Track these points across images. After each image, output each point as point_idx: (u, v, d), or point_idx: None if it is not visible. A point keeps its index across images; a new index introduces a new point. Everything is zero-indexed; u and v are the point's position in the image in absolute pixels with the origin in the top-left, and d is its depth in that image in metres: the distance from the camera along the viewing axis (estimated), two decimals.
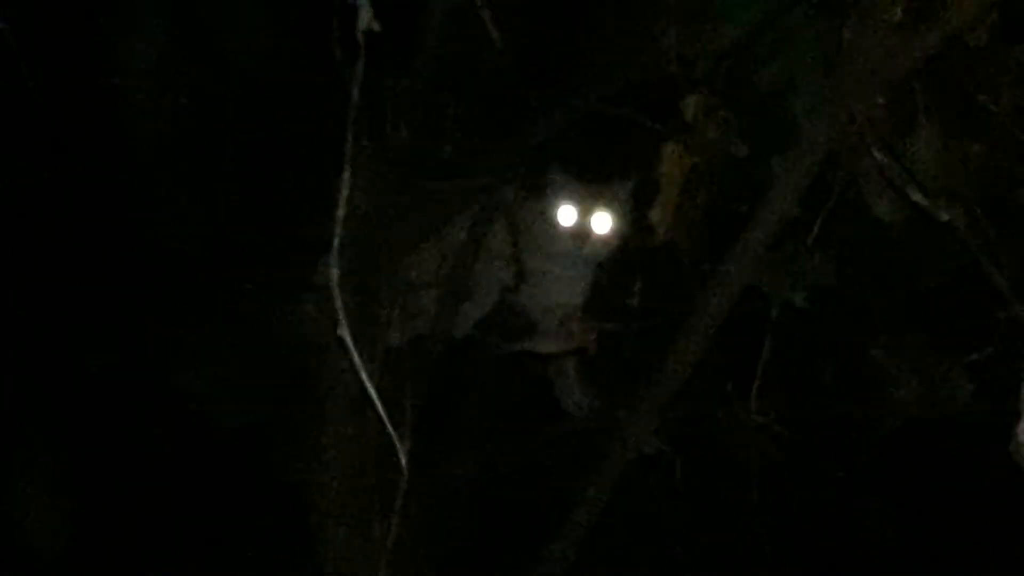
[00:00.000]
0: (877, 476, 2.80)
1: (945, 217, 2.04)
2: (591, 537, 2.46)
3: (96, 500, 2.82)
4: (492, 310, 2.70)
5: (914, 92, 2.11)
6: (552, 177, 2.60)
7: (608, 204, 2.57)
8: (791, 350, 2.46)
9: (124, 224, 2.76)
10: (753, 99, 2.25)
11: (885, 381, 2.58)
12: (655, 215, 2.33)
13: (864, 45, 2.01)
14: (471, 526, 2.71)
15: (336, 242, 1.85)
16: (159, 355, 2.77)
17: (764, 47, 2.23)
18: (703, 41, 2.26)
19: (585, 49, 2.60)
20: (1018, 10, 2.09)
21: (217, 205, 2.76)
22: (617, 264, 2.61)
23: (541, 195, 2.63)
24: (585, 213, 2.57)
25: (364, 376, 1.84)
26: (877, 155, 2.00)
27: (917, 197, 2.02)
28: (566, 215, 2.58)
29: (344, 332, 1.86)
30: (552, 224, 2.59)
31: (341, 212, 1.92)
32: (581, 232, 2.58)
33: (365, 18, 1.84)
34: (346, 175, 1.97)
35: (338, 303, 1.85)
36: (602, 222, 2.57)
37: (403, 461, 2.01)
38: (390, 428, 1.93)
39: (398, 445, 1.98)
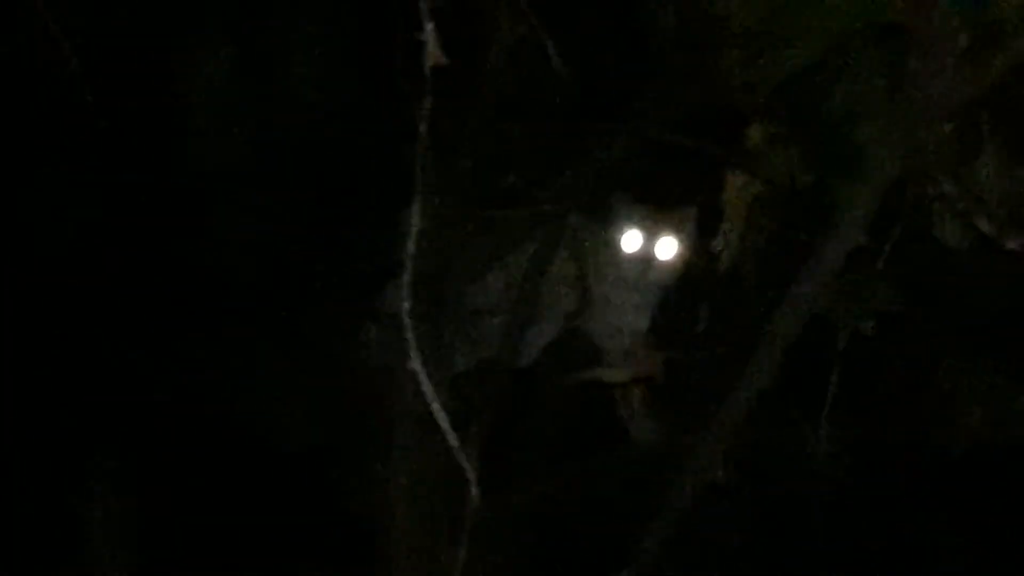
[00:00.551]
0: (946, 501, 2.78)
1: (1012, 245, 2.03)
2: (658, 565, 2.46)
3: (160, 527, 2.83)
4: (558, 337, 2.71)
5: (980, 118, 2.10)
6: (617, 203, 2.61)
7: (673, 229, 2.58)
8: (859, 376, 2.45)
9: (191, 250, 2.79)
10: (818, 126, 2.25)
11: (953, 406, 2.57)
12: (719, 243, 2.33)
13: (929, 72, 2.01)
14: (538, 553, 2.71)
15: (407, 276, 1.88)
16: (224, 381, 2.79)
17: (828, 74, 2.23)
18: (766, 68, 2.26)
19: (647, 76, 2.60)
20: None
21: (283, 232, 2.79)
22: (683, 290, 2.61)
23: (606, 221, 2.64)
24: (650, 238, 2.59)
25: (435, 405, 1.86)
26: (944, 183, 2.00)
27: (983, 225, 2.01)
28: (631, 241, 2.59)
29: (416, 364, 1.89)
30: (617, 250, 2.61)
31: (412, 246, 1.95)
32: (646, 258, 2.59)
33: (433, 53, 1.87)
34: (416, 208, 2.00)
35: (409, 335, 1.88)
36: (667, 247, 2.58)
37: (473, 487, 2.03)
38: (460, 454, 1.95)
39: (467, 468, 2.00)
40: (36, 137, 2.67)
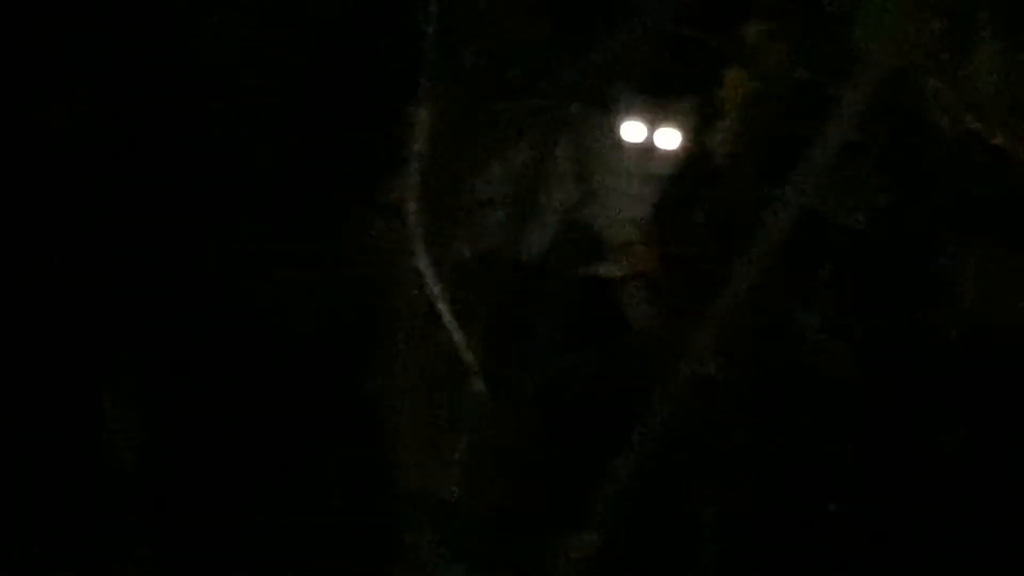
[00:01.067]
0: (944, 384, 2.82)
1: (999, 141, 2.07)
2: (657, 451, 2.52)
3: (172, 411, 2.88)
4: (559, 228, 2.75)
5: (973, 15, 2.12)
6: (618, 94, 2.64)
7: (674, 120, 2.60)
8: (852, 266, 2.50)
9: (201, 140, 2.81)
10: (814, 23, 2.27)
11: (948, 288, 2.61)
12: (715, 138, 2.37)
13: None
14: (539, 439, 2.77)
15: (413, 176, 1.92)
16: (235, 268, 2.83)
17: None
18: None
19: None
20: None
21: (292, 124, 2.82)
22: (680, 183, 2.65)
23: (607, 112, 2.67)
24: (651, 129, 2.62)
25: (439, 303, 1.92)
26: (932, 80, 2.03)
27: (971, 122, 2.05)
28: (632, 131, 2.63)
29: (420, 262, 1.94)
30: (618, 140, 2.64)
31: (418, 143, 2.00)
32: (647, 148, 2.62)
33: None
34: (422, 102, 2.04)
35: (415, 234, 1.92)
36: (668, 138, 2.61)
37: (476, 379, 2.09)
38: (463, 348, 2.01)
39: (470, 360, 2.06)
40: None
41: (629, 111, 2.62)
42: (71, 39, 2.73)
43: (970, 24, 2.14)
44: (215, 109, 2.80)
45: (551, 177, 2.72)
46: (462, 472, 2.51)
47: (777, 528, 2.78)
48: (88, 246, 2.80)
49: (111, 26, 2.72)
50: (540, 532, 2.56)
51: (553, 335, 2.76)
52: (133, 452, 2.86)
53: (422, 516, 2.57)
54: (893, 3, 2.07)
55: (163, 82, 2.78)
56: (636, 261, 2.70)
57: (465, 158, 2.58)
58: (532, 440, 2.70)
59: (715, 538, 2.70)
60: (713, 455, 2.73)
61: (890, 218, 2.42)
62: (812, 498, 2.73)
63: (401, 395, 2.59)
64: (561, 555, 2.51)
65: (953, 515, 2.78)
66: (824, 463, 2.73)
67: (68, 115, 2.79)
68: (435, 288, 1.94)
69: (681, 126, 2.60)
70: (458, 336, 1.97)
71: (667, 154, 2.62)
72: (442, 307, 1.96)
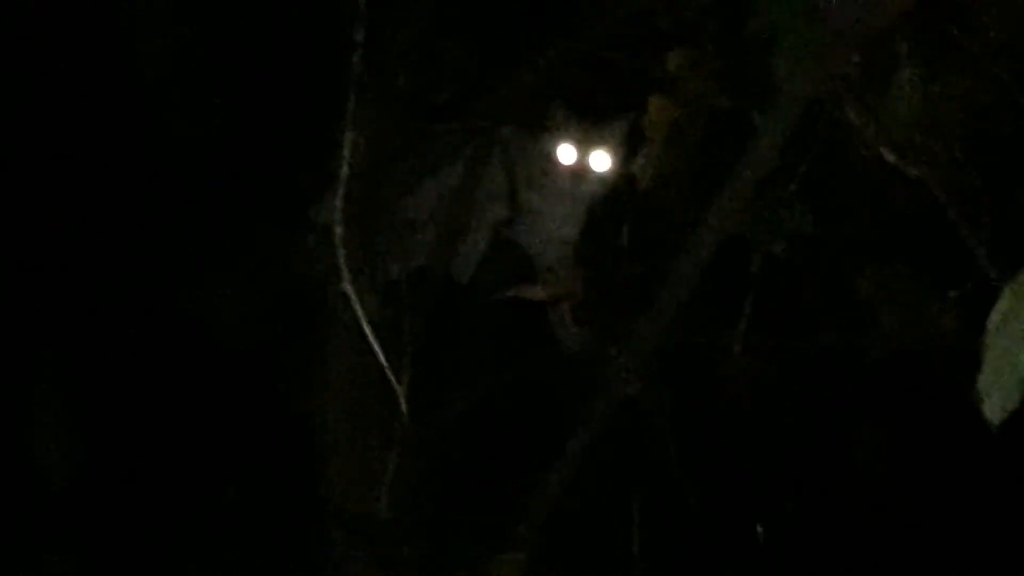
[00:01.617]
0: (864, 405, 2.87)
1: (915, 173, 2.11)
2: (585, 469, 2.55)
3: (104, 421, 2.87)
4: (489, 248, 2.77)
5: (891, 49, 2.16)
6: (552, 116, 2.66)
7: (606, 143, 2.63)
8: (776, 290, 2.53)
9: (136, 157, 2.81)
10: (736, 52, 2.31)
11: (870, 313, 2.65)
12: (639, 165, 2.39)
13: (841, 4, 2.06)
14: (469, 457, 2.79)
15: (340, 199, 1.93)
16: (169, 280, 2.84)
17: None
18: None
19: None
20: None
21: (220, 142, 2.83)
22: (606, 206, 2.68)
23: (539, 134, 2.69)
24: (584, 152, 2.64)
25: (365, 325, 1.93)
26: (850, 112, 2.06)
27: (887, 154, 2.09)
28: (566, 153, 2.65)
29: (347, 286, 1.95)
30: (550, 162, 2.66)
31: (345, 165, 2.01)
32: (580, 170, 2.65)
33: None
34: (349, 123, 2.05)
35: (341, 258, 1.93)
36: (600, 161, 2.64)
37: (402, 402, 2.10)
38: (389, 372, 2.02)
39: (396, 386, 2.07)
40: None
41: (562, 133, 2.63)
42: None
43: (888, 57, 2.18)
44: (149, 127, 2.80)
45: (482, 198, 2.74)
46: (391, 490, 2.52)
47: (704, 545, 2.82)
48: (21, 256, 2.78)
49: (50, 51, 2.71)
50: (469, 550, 2.58)
51: (481, 354, 2.78)
52: (60, 462, 2.85)
53: (351, 534, 2.57)
54: (812, 34, 2.10)
55: (98, 98, 2.77)
56: (559, 285, 2.72)
57: (395, 179, 2.59)
58: (461, 459, 2.72)
59: (643, 556, 2.73)
60: (640, 474, 2.76)
61: (810, 244, 2.46)
62: (738, 515, 2.76)
63: (330, 413, 2.59)
64: (491, 573, 2.51)
65: (874, 530, 2.83)
66: (747, 481, 2.77)
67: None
68: (359, 310, 1.94)
69: (612, 149, 2.62)
70: (382, 357, 1.97)
71: (598, 176, 2.64)
72: (367, 328, 1.96)
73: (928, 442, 2.87)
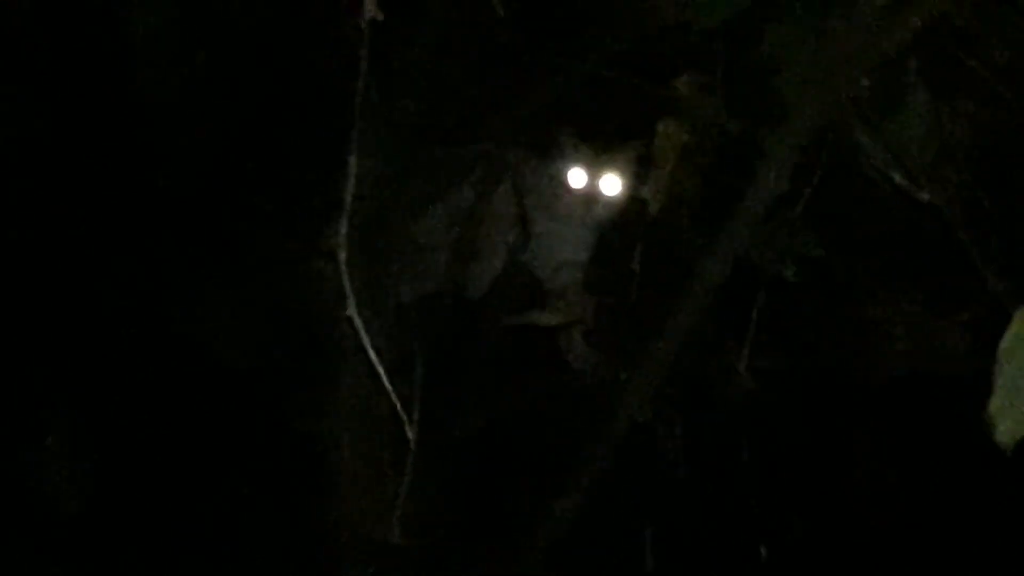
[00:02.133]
0: (874, 429, 2.86)
1: (926, 197, 2.11)
2: (595, 496, 2.54)
3: (113, 446, 2.87)
4: (499, 273, 2.76)
5: (901, 72, 2.16)
6: (562, 140, 2.66)
7: (617, 167, 2.64)
8: (784, 315, 2.53)
9: (137, 177, 2.81)
10: (743, 75, 2.31)
11: (878, 336, 2.65)
12: (648, 189, 2.39)
13: (849, 27, 2.06)
14: (481, 482, 2.78)
15: (345, 225, 1.93)
16: (173, 304, 2.84)
17: (757, 24, 2.27)
18: (699, 16, 2.30)
19: (585, 16, 2.64)
20: None
21: (228, 165, 2.83)
22: (617, 231, 2.67)
23: (547, 158, 2.69)
24: (595, 176, 2.65)
25: (371, 353, 1.92)
26: (860, 136, 2.06)
27: (897, 178, 2.08)
28: (576, 178, 2.65)
29: (352, 311, 1.95)
30: (561, 186, 2.67)
31: (351, 191, 2.00)
32: (591, 195, 2.65)
33: (369, 9, 1.91)
34: (355, 150, 2.05)
35: (347, 284, 1.93)
36: (611, 185, 2.64)
37: (408, 429, 2.10)
38: (396, 399, 2.02)
39: (402, 413, 2.07)
40: None
41: (572, 158, 2.63)
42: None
43: (898, 80, 2.17)
44: (156, 151, 2.80)
45: (492, 222, 2.74)
46: (403, 516, 2.51)
47: (717, 569, 2.81)
48: (26, 279, 2.78)
49: (56, 74, 2.72)
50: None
51: (492, 379, 2.78)
52: (69, 488, 2.85)
53: (364, 559, 2.57)
54: (821, 57, 2.10)
55: (105, 122, 2.78)
56: (570, 310, 2.71)
57: (403, 203, 2.59)
58: (472, 484, 2.71)
59: None
60: (651, 499, 2.75)
61: (820, 268, 2.45)
62: (749, 538, 2.75)
63: (342, 438, 2.58)
64: None
65: (883, 553, 2.82)
66: (757, 506, 2.76)
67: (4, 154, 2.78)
68: (365, 336, 1.94)
69: (623, 173, 2.62)
70: (387, 383, 1.97)
71: (608, 201, 2.64)
72: (372, 354, 1.95)
73: (937, 466, 2.85)
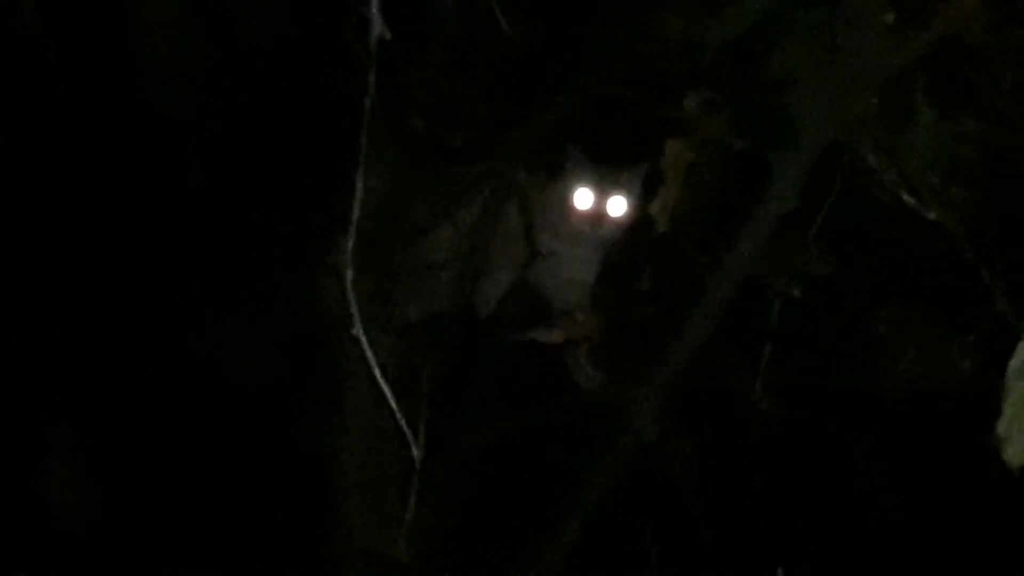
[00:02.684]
0: (883, 449, 2.85)
1: (933, 215, 2.10)
2: (603, 512, 2.53)
3: (119, 465, 2.87)
4: (506, 291, 2.76)
5: (910, 91, 2.16)
6: (569, 160, 2.67)
7: (623, 188, 2.64)
8: (794, 333, 2.53)
9: (145, 197, 2.82)
10: (752, 93, 2.30)
11: (886, 356, 2.64)
12: (655, 208, 2.39)
13: (857, 46, 2.06)
14: (487, 500, 2.78)
15: (351, 243, 1.93)
16: (179, 323, 2.84)
17: (765, 42, 2.27)
18: (707, 34, 2.30)
19: (592, 34, 2.65)
20: None
21: (234, 183, 2.83)
22: (625, 250, 2.67)
23: (556, 177, 2.69)
24: (602, 196, 2.65)
25: (377, 373, 1.92)
26: (869, 155, 2.06)
27: (906, 196, 2.08)
28: (583, 198, 2.65)
29: (358, 331, 1.94)
30: (567, 206, 2.66)
31: (357, 210, 2.00)
32: (597, 215, 2.65)
33: (377, 28, 1.91)
34: (361, 169, 2.05)
35: (353, 304, 1.93)
36: (617, 206, 2.64)
37: (415, 449, 2.09)
38: (401, 420, 2.01)
39: (408, 433, 2.07)
40: None
41: (578, 178, 2.63)
42: (17, 104, 2.73)
43: (906, 99, 2.17)
44: (162, 167, 2.81)
45: (499, 240, 2.74)
46: (410, 533, 2.50)
47: None
48: (34, 297, 2.78)
49: (66, 94, 2.73)
50: None
51: (499, 397, 2.78)
52: (76, 508, 2.84)
53: (367, 574, 2.56)
54: (830, 76, 2.10)
55: (113, 141, 2.78)
56: (577, 327, 2.71)
57: (410, 222, 2.59)
58: (478, 501, 2.71)
59: None
60: (658, 517, 2.75)
61: (828, 287, 2.45)
62: (757, 558, 2.74)
63: (348, 455, 2.58)
64: None
65: (893, 573, 2.81)
66: (766, 524, 2.75)
67: (14, 167, 2.79)
68: (371, 354, 1.94)
69: (629, 193, 2.62)
70: (392, 402, 1.96)
71: (616, 221, 2.64)
72: (377, 373, 1.95)
73: (947, 485, 2.85)
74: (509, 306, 2.76)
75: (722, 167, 2.38)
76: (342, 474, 2.59)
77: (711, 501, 2.76)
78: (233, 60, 2.72)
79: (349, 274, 1.91)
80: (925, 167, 2.17)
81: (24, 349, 2.77)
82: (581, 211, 2.65)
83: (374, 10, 1.90)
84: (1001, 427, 1.55)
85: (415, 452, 2.09)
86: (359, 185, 2.00)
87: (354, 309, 1.92)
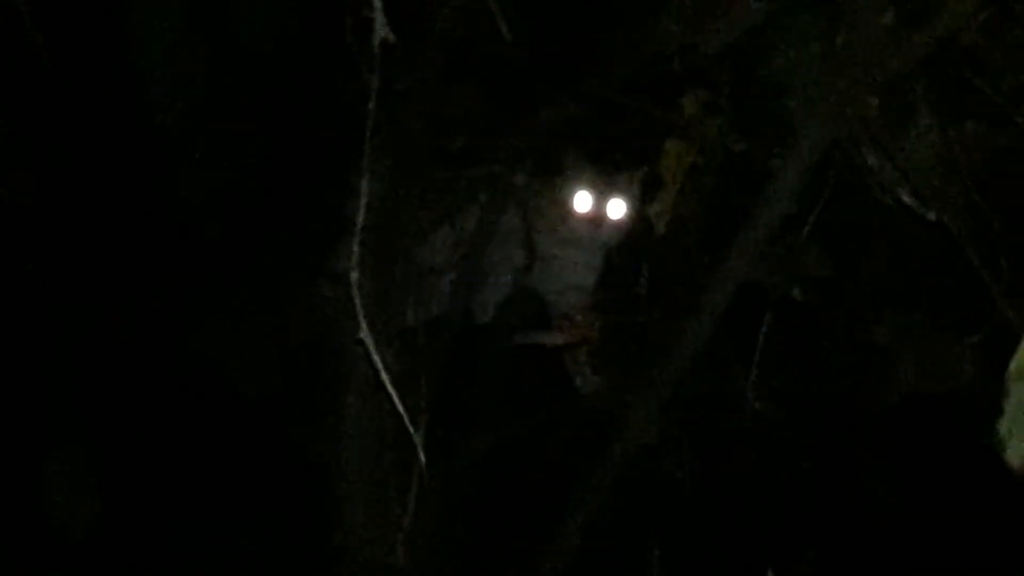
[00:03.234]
0: (882, 450, 2.85)
1: (933, 217, 2.11)
2: (603, 515, 2.54)
3: (120, 471, 2.87)
4: (506, 295, 2.77)
5: (910, 92, 2.16)
6: (568, 163, 2.67)
7: (622, 191, 2.64)
8: (792, 336, 2.53)
9: (147, 205, 2.82)
10: (750, 96, 2.31)
11: (887, 359, 2.65)
12: (655, 209, 2.39)
13: (856, 48, 2.07)
14: (487, 505, 2.78)
15: (356, 246, 1.93)
16: (182, 328, 2.84)
17: (764, 45, 2.28)
18: (706, 38, 2.31)
19: (591, 39, 2.65)
20: None
21: (237, 189, 2.83)
22: (623, 253, 2.67)
23: (554, 180, 2.70)
24: (601, 199, 2.65)
25: (384, 375, 1.92)
26: (868, 156, 2.06)
27: (905, 197, 2.09)
28: (582, 201, 2.66)
29: (364, 334, 1.94)
30: (566, 209, 2.66)
31: (361, 214, 2.00)
32: (597, 218, 2.65)
33: (380, 29, 1.91)
34: (364, 173, 2.05)
35: (358, 306, 1.92)
36: (617, 208, 2.64)
37: (420, 453, 2.09)
38: (405, 416, 2.01)
39: (414, 435, 2.06)
40: None
41: (578, 181, 2.63)
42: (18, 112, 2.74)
43: (906, 100, 2.18)
44: (166, 176, 2.81)
45: (498, 244, 2.74)
46: (409, 538, 2.51)
47: None
48: (38, 305, 2.78)
49: (68, 102, 2.73)
50: None
51: (499, 401, 2.78)
52: (76, 514, 2.84)
53: None
54: (829, 78, 2.11)
55: (115, 148, 2.78)
56: (575, 330, 2.71)
57: (411, 226, 2.59)
58: (478, 506, 2.71)
59: None
60: (658, 521, 2.75)
61: (827, 288, 2.45)
62: (756, 561, 2.75)
63: (347, 461, 2.58)
64: None
65: None
66: (764, 526, 2.75)
67: (18, 180, 2.79)
68: (376, 358, 1.94)
69: (628, 196, 2.63)
70: (400, 406, 1.96)
71: (615, 224, 2.64)
72: (384, 377, 1.95)
73: (946, 487, 2.85)
74: (508, 310, 2.76)
75: (721, 169, 2.39)
76: (341, 479, 2.58)
77: (708, 504, 2.76)
78: (235, 65, 2.71)
79: (354, 277, 1.91)
80: (925, 167, 2.18)
81: (27, 355, 2.77)
82: (580, 214, 2.64)
83: (377, 13, 1.89)
84: (1002, 429, 1.56)
85: (420, 455, 2.08)
86: (363, 190, 2.00)
87: (359, 312, 1.91)
